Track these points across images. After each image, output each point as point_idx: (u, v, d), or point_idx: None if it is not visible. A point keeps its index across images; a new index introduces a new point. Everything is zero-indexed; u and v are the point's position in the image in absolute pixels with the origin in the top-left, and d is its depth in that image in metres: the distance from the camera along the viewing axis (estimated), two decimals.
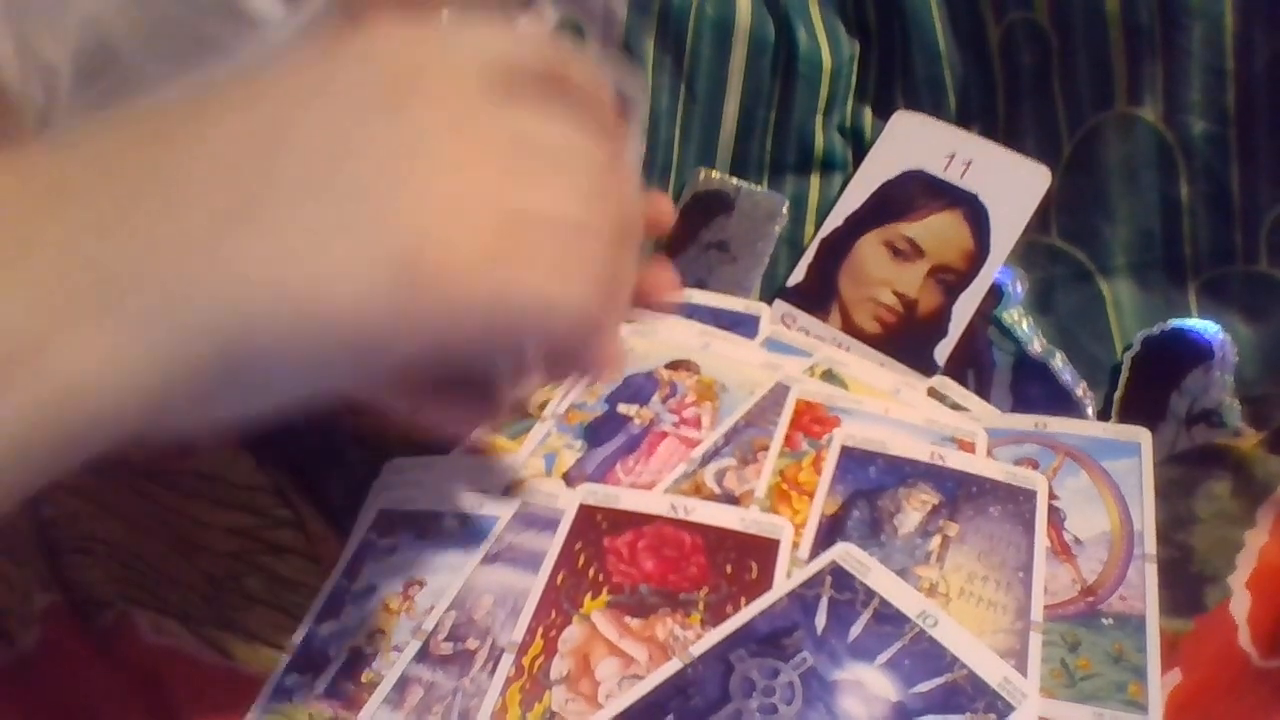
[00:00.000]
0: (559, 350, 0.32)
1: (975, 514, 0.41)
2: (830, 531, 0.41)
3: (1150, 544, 0.40)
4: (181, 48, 0.51)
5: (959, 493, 0.42)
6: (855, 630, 0.37)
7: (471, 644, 0.39)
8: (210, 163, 0.24)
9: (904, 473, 0.43)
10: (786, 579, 0.39)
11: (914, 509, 0.42)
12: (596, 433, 0.47)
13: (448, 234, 0.25)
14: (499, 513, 0.43)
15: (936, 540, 0.41)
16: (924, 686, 0.36)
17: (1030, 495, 0.42)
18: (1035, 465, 0.44)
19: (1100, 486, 0.43)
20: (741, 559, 0.40)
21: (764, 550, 0.40)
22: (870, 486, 0.43)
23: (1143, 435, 0.44)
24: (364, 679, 0.38)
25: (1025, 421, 0.46)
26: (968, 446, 0.45)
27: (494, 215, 0.25)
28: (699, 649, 0.37)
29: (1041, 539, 0.40)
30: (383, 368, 0.27)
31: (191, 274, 0.24)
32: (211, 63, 0.51)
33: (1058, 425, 0.46)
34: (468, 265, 0.25)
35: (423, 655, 0.39)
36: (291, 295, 0.24)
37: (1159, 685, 0.36)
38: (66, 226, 0.24)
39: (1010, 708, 0.35)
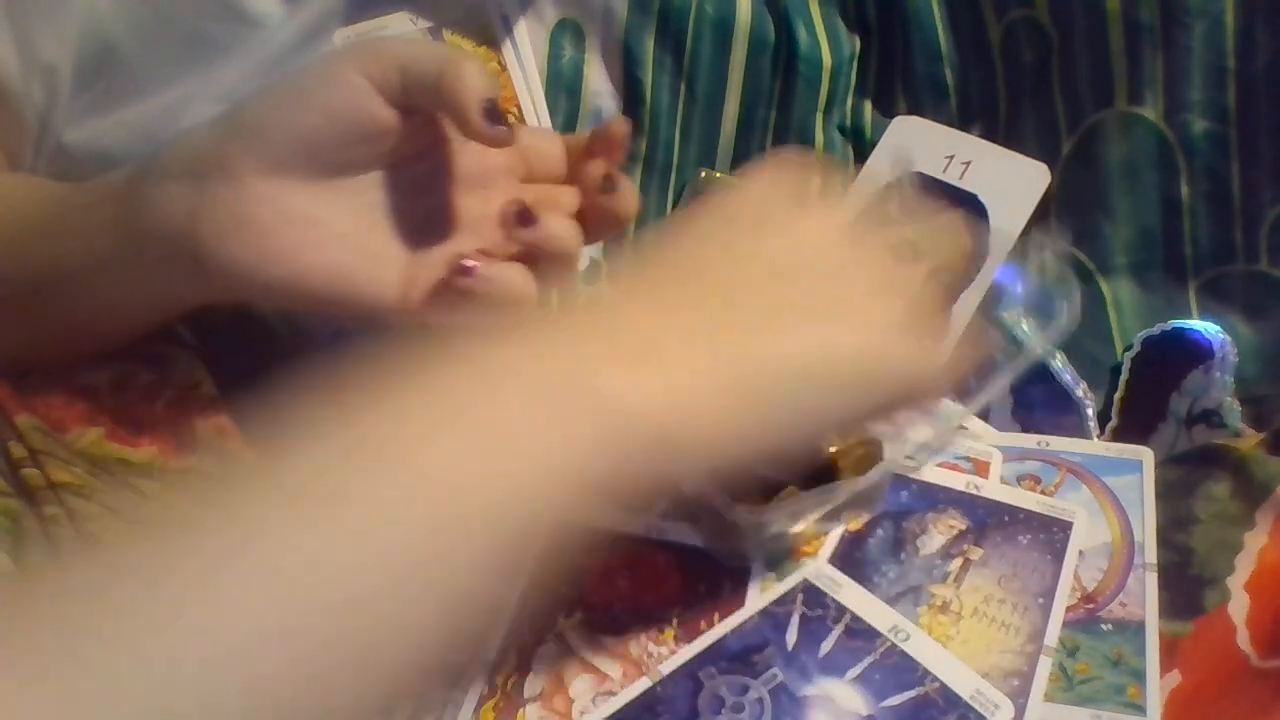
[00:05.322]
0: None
1: (1003, 541, 0.41)
2: (852, 545, 0.41)
3: (1151, 554, 0.40)
4: (181, 48, 0.51)
5: (989, 520, 0.42)
6: (826, 646, 0.37)
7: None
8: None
9: (935, 499, 0.43)
10: (760, 595, 0.39)
11: (940, 533, 0.42)
12: None
13: None
14: None
15: (957, 562, 0.41)
16: (894, 700, 0.36)
17: (1066, 526, 0.42)
18: (1037, 481, 0.44)
19: (1101, 500, 0.43)
20: (716, 577, 0.40)
21: (737, 569, 0.40)
22: (899, 509, 0.43)
23: (1145, 454, 0.44)
24: None
25: (1028, 440, 0.46)
26: (982, 467, 0.45)
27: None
28: (668, 667, 0.37)
29: (1070, 569, 0.40)
30: None
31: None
32: (211, 63, 0.51)
33: (1060, 444, 0.46)
34: None
35: None
36: None
37: (1158, 687, 0.36)
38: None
39: (983, 719, 0.35)
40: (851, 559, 0.41)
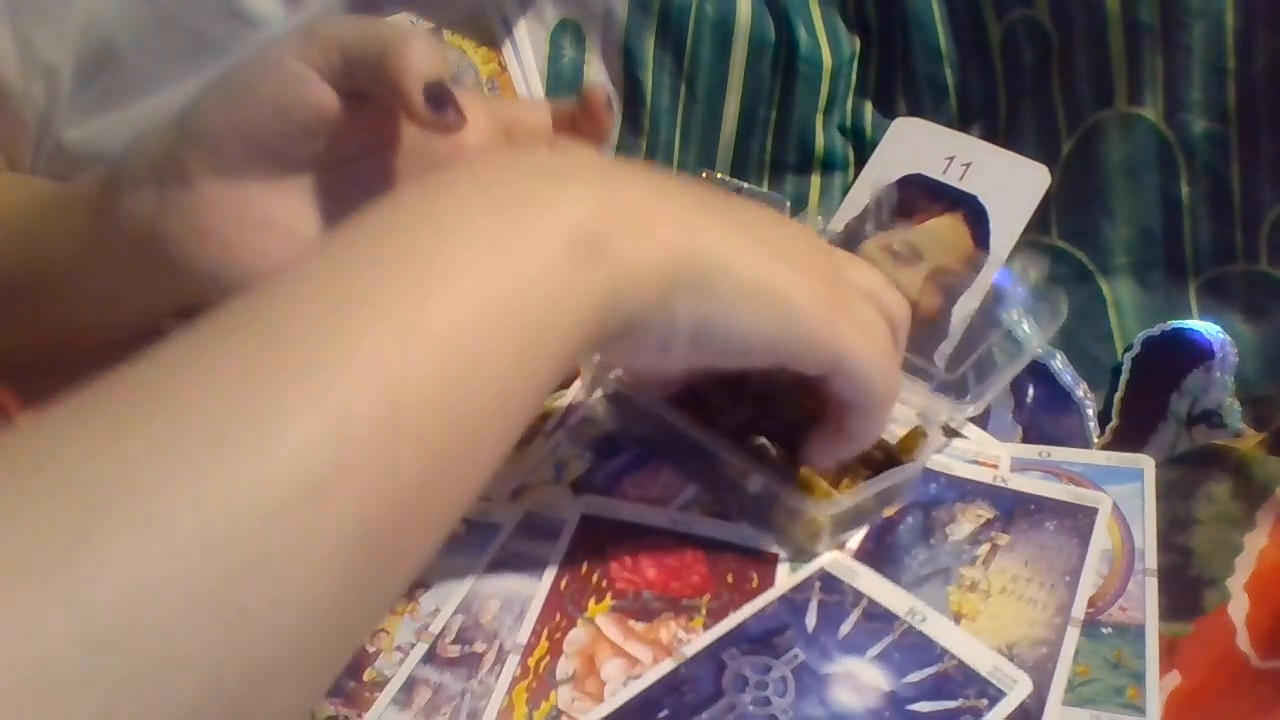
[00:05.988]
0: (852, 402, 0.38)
1: (1030, 527, 0.42)
2: (882, 531, 0.42)
3: (1151, 559, 0.40)
4: (181, 48, 0.51)
5: (1016, 509, 0.43)
6: (845, 628, 0.38)
7: (479, 647, 0.39)
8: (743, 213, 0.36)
9: (963, 490, 0.44)
10: (778, 583, 0.40)
11: (968, 521, 0.42)
12: (607, 446, 0.47)
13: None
14: (504, 520, 0.43)
15: (985, 547, 0.41)
16: (915, 676, 0.36)
17: (1091, 512, 0.42)
18: None
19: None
20: (742, 569, 0.40)
21: (765, 562, 0.41)
22: (928, 500, 0.43)
23: (1145, 462, 0.44)
24: (366, 677, 0.39)
25: (1029, 450, 0.46)
26: (990, 467, 0.45)
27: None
28: (691, 650, 0.37)
29: (1096, 548, 0.41)
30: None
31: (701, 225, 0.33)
32: (211, 63, 0.51)
33: (1061, 454, 0.46)
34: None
35: (430, 657, 0.39)
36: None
37: (1157, 688, 0.36)
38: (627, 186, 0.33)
39: (1002, 693, 0.35)
40: (882, 543, 0.41)
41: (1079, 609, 0.38)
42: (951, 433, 0.46)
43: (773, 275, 0.34)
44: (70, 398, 0.23)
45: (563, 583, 0.40)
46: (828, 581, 0.39)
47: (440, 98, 0.36)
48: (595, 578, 0.41)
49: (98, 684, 0.20)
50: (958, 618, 0.39)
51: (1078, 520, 0.42)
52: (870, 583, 0.39)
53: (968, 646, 0.37)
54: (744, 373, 0.43)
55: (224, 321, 0.26)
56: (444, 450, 0.26)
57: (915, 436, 0.43)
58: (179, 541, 0.21)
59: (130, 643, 0.20)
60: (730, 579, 0.40)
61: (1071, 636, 0.37)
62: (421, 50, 0.35)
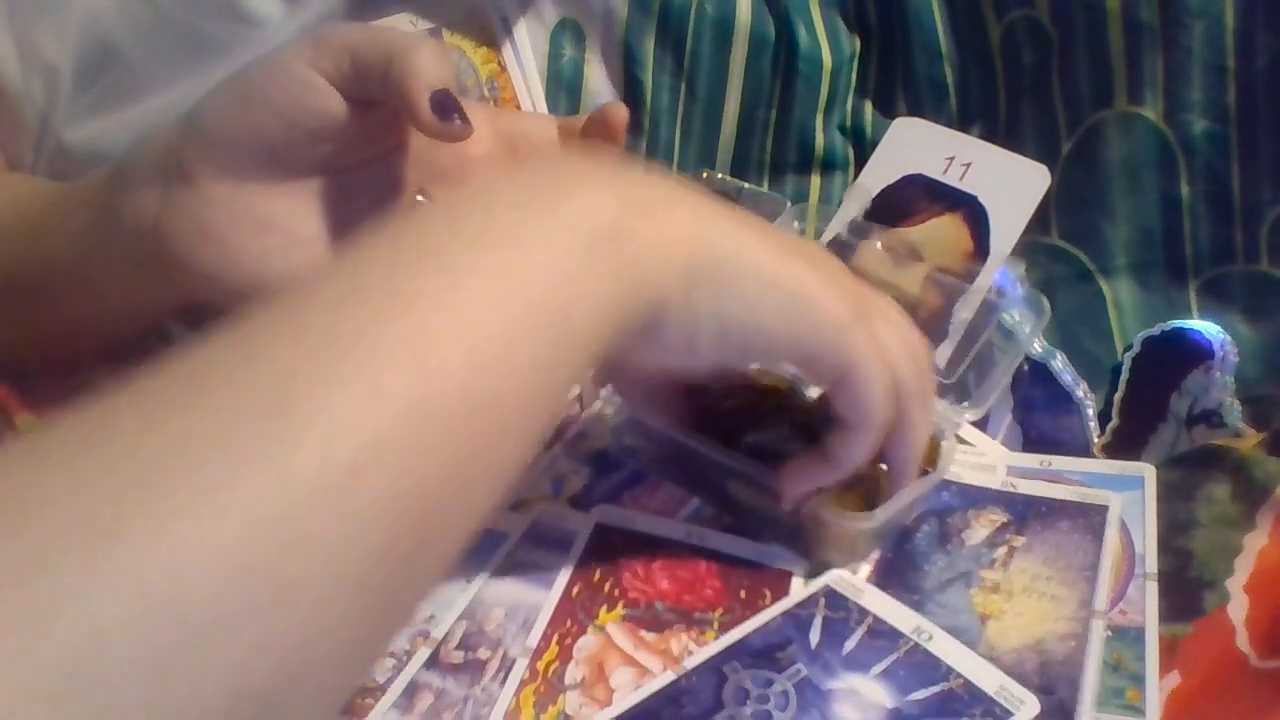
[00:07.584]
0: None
1: (1044, 529, 0.42)
2: (900, 539, 0.42)
3: (1151, 564, 0.41)
4: (181, 48, 0.51)
5: (1028, 512, 0.43)
6: (849, 645, 0.38)
7: (483, 654, 0.39)
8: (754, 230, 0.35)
9: (975, 497, 0.44)
10: (783, 599, 0.40)
11: (983, 526, 0.43)
12: (604, 461, 0.47)
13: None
14: (508, 529, 0.43)
15: (1003, 550, 0.42)
16: (919, 694, 0.36)
17: (1102, 510, 0.43)
18: None
19: None
20: (755, 585, 0.41)
21: (778, 577, 0.41)
22: (941, 507, 0.44)
23: (1146, 470, 0.44)
24: None
25: (1030, 459, 0.47)
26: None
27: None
28: (693, 662, 0.37)
29: (1111, 543, 0.41)
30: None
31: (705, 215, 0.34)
32: (212, 63, 0.51)
33: (1062, 463, 0.46)
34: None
35: (433, 663, 0.39)
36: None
37: (1157, 690, 0.36)
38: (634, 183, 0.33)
39: (1009, 713, 0.35)
40: (900, 552, 0.41)
41: (1101, 601, 0.39)
42: (959, 440, 0.46)
43: (791, 271, 0.34)
44: (122, 383, 0.25)
45: (574, 589, 0.41)
46: (833, 598, 0.39)
47: (446, 106, 0.36)
48: (607, 586, 0.41)
49: (152, 645, 0.21)
50: (984, 619, 0.39)
51: (1090, 518, 0.42)
52: (876, 600, 0.39)
53: (974, 665, 0.37)
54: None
55: (262, 320, 0.26)
56: (472, 439, 0.27)
57: (933, 446, 0.43)
58: (225, 516, 0.22)
59: (183, 606, 0.21)
60: (743, 594, 0.40)
61: (1097, 628, 0.38)
62: (429, 58, 0.35)
